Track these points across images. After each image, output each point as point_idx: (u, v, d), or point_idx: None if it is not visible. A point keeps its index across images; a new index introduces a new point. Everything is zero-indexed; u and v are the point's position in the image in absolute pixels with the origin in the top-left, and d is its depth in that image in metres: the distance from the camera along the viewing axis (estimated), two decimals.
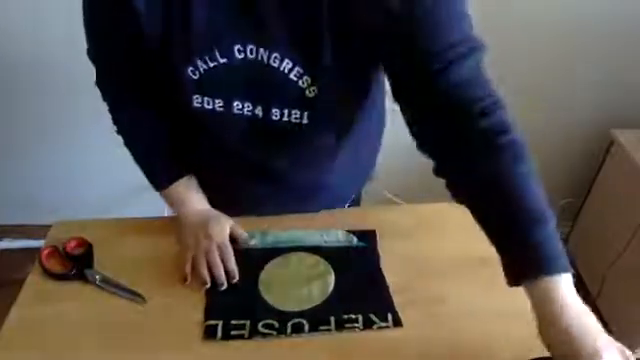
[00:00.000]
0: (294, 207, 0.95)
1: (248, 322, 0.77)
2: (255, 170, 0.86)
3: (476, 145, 0.65)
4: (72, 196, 1.98)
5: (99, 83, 0.85)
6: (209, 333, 0.76)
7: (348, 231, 0.93)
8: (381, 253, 0.90)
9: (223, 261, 0.83)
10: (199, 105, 0.72)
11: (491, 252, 0.90)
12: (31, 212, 1.96)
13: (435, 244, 0.93)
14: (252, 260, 0.87)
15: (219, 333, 0.76)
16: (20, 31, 1.61)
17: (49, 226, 0.95)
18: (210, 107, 0.72)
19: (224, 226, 0.88)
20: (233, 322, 0.77)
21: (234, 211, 0.92)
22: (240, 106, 0.73)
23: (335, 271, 0.86)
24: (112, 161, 1.92)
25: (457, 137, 0.67)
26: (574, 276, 0.61)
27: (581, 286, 1.83)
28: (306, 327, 0.77)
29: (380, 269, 0.87)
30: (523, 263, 0.61)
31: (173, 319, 0.78)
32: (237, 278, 0.82)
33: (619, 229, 1.70)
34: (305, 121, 0.73)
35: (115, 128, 0.89)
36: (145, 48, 0.69)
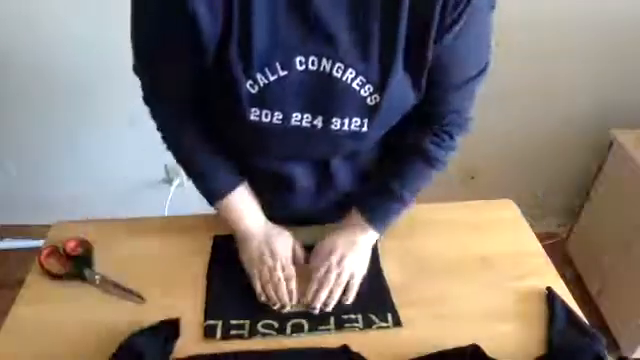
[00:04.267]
0: (335, 216, 0.92)
1: (248, 322, 0.77)
2: (305, 172, 0.85)
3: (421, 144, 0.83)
4: (73, 196, 1.98)
5: (148, 101, 0.81)
6: (208, 333, 0.76)
7: None
8: (381, 253, 0.90)
9: (285, 280, 0.81)
10: (256, 118, 0.70)
11: (491, 252, 0.91)
12: (31, 212, 1.96)
13: (435, 244, 0.93)
14: None
15: (218, 333, 0.76)
16: (23, 30, 1.61)
17: (49, 226, 0.95)
18: (267, 120, 0.71)
19: (287, 244, 0.87)
20: (232, 322, 0.77)
21: (275, 218, 0.91)
22: (299, 117, 0.71)
23: None
24: (112, 161, 1.93)
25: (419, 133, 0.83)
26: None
27: (581, 286, 1.85)
28: (306, 327, 0.77)
29: (380, 269, 0.87)
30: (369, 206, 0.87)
31: None
32: (294, 301, 0.80)
33: (619, 229, 1.70)
34: (365, 129, 0.73)
35: (166, 145, 0.84)
36: (201, 63, 0.68)
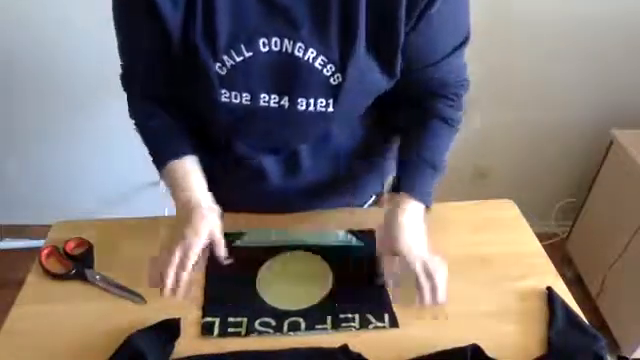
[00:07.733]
0: (311, 204, 0.96)
1: (245, 320, 0.78)
2: (277, 162, 0.86)
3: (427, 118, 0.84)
4: (72, 196, 1.99)
5: (124, 76, 0.84)
6: (206, 330, 0.76)
7: (347, 231, 0.93)
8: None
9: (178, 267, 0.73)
10: (226, 100, 0.74)
11: (491, 252, 0.91)
12: (31, 212, 1.96)
13: (435, 244, 0.93)
14: (250, 258, 0.87)
15: (216, 330, 0.76)
16: (20, 30, 1.62)
17: (49, 226, 0.95)
18: (237, 101, 0.74)
19: (201, 231, 0.75)
20: (230, 319, 0.78)
21: (249, 209, 0.92)
22: (267, 98, 0.74)
23: (333, 271, 0.86)
24: (112, 161, 1.93)
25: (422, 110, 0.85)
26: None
27: (581, 286, 1.85)
28: (303, 326, 0.77)
29: (379, 269, 0.87)
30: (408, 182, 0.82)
31: None
32: (168, 290, 0.72)
33: (619, 229, 1.70)
34: (330, 109, 0.75)
35: (129, 114, 0.87)
36: (171, 47, 0.71)
